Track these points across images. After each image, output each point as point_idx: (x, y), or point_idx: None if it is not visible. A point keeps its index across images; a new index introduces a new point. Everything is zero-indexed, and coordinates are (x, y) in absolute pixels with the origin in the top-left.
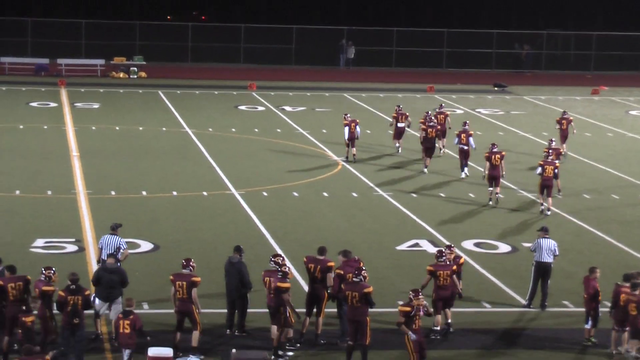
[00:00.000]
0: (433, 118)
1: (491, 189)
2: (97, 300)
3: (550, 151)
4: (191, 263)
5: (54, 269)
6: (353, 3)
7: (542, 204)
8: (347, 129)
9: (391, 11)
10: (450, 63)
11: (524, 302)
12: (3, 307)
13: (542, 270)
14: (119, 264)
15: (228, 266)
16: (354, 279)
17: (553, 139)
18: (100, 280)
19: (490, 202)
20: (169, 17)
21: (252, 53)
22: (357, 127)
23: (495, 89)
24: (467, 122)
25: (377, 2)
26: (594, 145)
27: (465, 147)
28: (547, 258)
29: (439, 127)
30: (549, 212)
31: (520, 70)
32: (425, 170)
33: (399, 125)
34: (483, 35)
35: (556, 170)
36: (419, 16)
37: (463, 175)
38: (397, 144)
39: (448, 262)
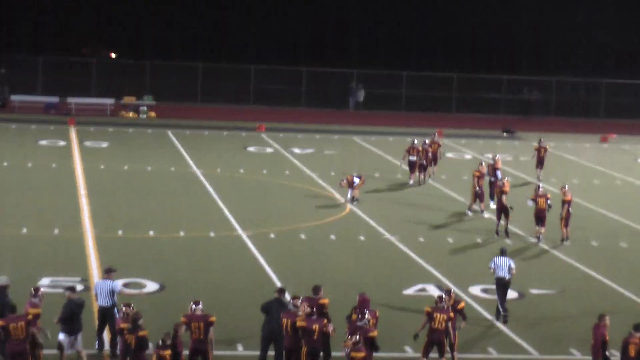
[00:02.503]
0: (425, 145)
1: (501, 221)
2: (62, 335)
3: (540, 186)
4: (200, 305)
5: (132, 305)
6: (364, 45)
7: (537, 236)
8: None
9: (401, 54)
10: (460, 107)
11: (532, 349)
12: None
13: (500, 285)
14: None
15: (277, 305)
16: (358, 323)
17: (540, 182)
18: (74, 316)
19: (497, 235)
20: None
21: (262, 94)
22: (355, 178)
23: (505, 134)
24: (498, 155)
25: (388, 45)
26: (602, 192)
27: (493, 179)
28: (505, 274)
29: (430, 153)
30: (540, 242)
31: (530, 116)
32: (411, 182)
33: (411, 159)
34: (493, 80)
35: (549, 202)
36: (429, 60)
37: (492, 204)
38: (411, 180)
39: (446, 307)
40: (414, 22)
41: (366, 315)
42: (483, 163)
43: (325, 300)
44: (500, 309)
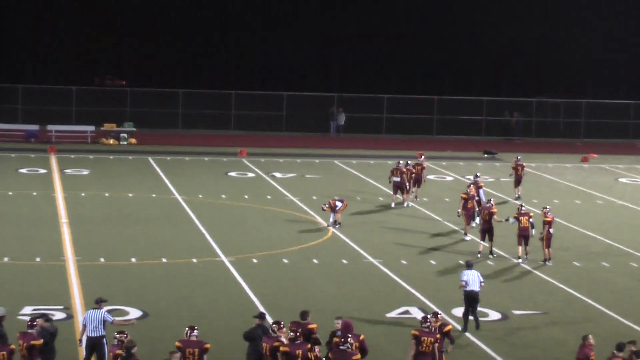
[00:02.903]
0: (408, 166)
1: (484, 242)
2: None
3: (522, 205)
4: (195, 331)
5: (126, 332)
6: (344, 70)
7: (519, 257)
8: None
9: (381, 78)
10: (441, 130)
11: None
12: None
13: (472, 299)
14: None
15: (259, 331)
16: (341, 347)
17: (520, 201)
18: (47, 344)
19: (479, 255)
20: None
21: (242, 119)
22: (337, 202)
23: (485, 155)
24: (479, 174)
25: (368, 69)
26: (584, 212)
27: (476, 198)
28: (476, 287)
29: (413, 175)
30: (525, 261)
31: (510, 137)
32: (405, 204)
33: (394, 179)
34: (473, 103)
35: (531, 220)
36: (410, 83)
37: (474, 224)
38: (405, 202)
39: (433, 330)
40: (393, 45)
41: (349, 340)
42: (471, 186)
43: (314, 325)
44: (474, 319)
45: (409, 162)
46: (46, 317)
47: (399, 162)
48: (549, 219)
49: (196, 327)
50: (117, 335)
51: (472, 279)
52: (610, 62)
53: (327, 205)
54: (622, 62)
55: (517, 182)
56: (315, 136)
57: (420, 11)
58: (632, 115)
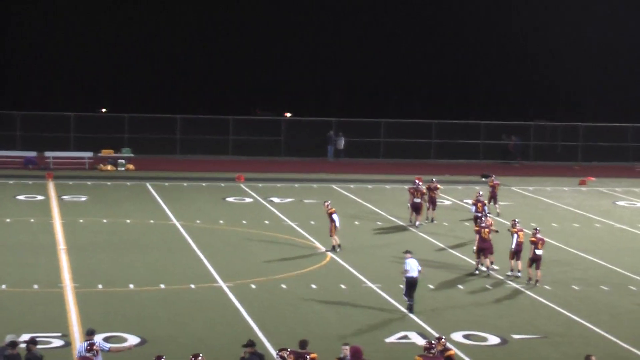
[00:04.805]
0: (422, 187)
1: (479, 260)
2: None
3: (517, 221)
4: (199, 359)
5: (164, 358)
6: (342, 95)
7: (511, 270)
8: (330, 218)
9: (379, 102)
10: (439, 154)
11: None
12: None
13: (412, 284)
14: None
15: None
16: None
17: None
18: None
19: (477, 272)
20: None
21: (240, 145)
22: (335, 215)
23: (483, 179)
24: (481, 192)
25: (366, 94)
26: (582, 236)
27: (480, 214)
28: (415, 273)
29: (425, 193)
30: (518, 275)
31: (509, 161)
32: (417, 223)
33: (415, 200)
34: (471, 126)
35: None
36: (408, 107)
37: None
38: (417, 221)
39: (436, 354)
40: (391, 70)
41: None
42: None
43: (315, 355)
44: (409, 301)
45: (420, 183)
46: (34, 342)
47: (418, 183)
48: (534, 240)
49: (200, 355)
50: None
51: (413, 267)
52: (608, 85)
53: (327, 205)
54: (620, 85)
55: (494, 199)
56: (314, 161)
57: (419, 36)
58: (630, 139)
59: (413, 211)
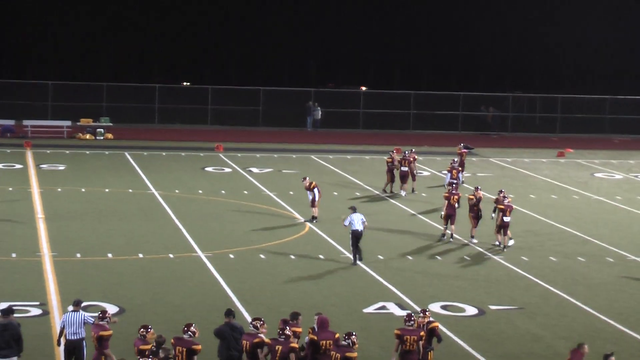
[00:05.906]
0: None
1: (446, 225)
2: None
3: (503, 195)
4: (192, 328)
5: (150, 327)
6: (321, 65)
7: (498, 242)
8: (311, 192)
9: (358, 73)
10: (417, 125)
11: None
12: None
13: (357, 237)
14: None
15: (230, 330)
16: (342, 342)
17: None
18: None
19: (444, 238)
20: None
21: (219, 115)
22: (316, 189)
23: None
24: (455, 159)
25: (345, 64)
26: (560, 207)
27: (455, 182)
28: (359, 227)
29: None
30: (505, 249)
31: (487, 132)
32: (404, 193)
33: (403, 169)
34: (450, 98)
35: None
36: (386, 78)
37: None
38: (403, 191)
39: (417, 327)
40: (370, 40)
41: (352, 337)
42: (479, 188)
43: (299, 329)
44: (357, 256)
45: (406, 152)
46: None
47: (404, 152)
48: (501, 207)
49: (193, 325)
50: (141, 330)
51: (357, 221)
52: (585, 57)
53: (306, 182)
54: (597, 58)
55: (462, 166)
56: (292, 131)
57: (398, 7)
58: (608, 110)
59: (403, 180)
